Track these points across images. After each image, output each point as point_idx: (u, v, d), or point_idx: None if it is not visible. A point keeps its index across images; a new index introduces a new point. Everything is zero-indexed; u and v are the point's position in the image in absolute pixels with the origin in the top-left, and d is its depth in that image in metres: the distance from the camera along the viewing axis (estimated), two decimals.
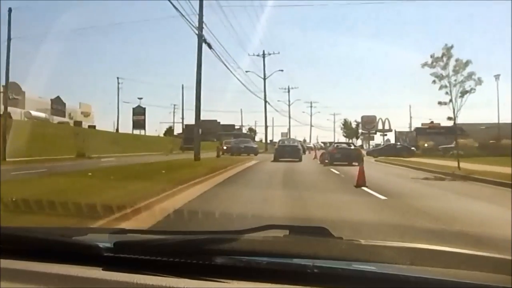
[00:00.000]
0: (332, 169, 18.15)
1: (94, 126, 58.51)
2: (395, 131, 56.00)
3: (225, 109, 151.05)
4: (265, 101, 55.00)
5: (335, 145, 28.31)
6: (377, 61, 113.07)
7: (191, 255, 1.35)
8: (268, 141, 61.87)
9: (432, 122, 58.03)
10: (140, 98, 64.04)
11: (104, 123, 72.32)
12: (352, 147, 27.80)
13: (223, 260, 1.33)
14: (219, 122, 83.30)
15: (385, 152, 37.59)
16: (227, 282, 1.24)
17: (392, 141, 56.46)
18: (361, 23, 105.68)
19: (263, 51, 54.51)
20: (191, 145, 57.88)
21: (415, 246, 1.55)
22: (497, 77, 45.50)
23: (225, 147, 42.31)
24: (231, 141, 43.83)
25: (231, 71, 34.34)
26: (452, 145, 37.74)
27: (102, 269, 1.32)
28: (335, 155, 22.91)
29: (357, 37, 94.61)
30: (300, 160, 26.80)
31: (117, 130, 61.73)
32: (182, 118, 63.09)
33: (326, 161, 23.57)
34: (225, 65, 26.23)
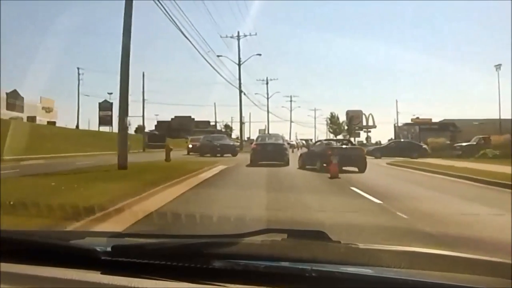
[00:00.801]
0: (356, 190, 10.11)
1: (54, 122, 55.41)
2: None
3: (201, 104, 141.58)
4: (240, 91, 46.48)
5: (327, 142, 20.19)
6: (359, 55, 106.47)
7: (189, 258, 1.35)
8: (245, 139, 52.55)
9: (418, 118, 51.49)
10: (110, 93, 56.35)
11: (72, 120, 63.65)
12: (351, 145, 19.83)
13: (221, 264, 1.33)
14: (193, 118, 75.89)
15: (390, 151, 30.22)
16: (225, 286, 1.25)
17: (374, 139, 49.09)
18: (342, 18, 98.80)
19: (238, 32, 45.51)
20: (157, 143, 48.84)
21: (413, 250, 1.57)
22: (498, 67, 38.78)
23: (190, 145, 33.46)
24: (200, 138, 35.24)
25: (194, 46, 25.69)
26: (474, 143, 30.39)
27: (101, 273, 1.32)
28: (332, 159, 14.47)
29: (337, 32, 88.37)
30: (287, 163, 19.34)
31: (77, 126, 57.73)
32: (143, 113, 52.10)
33: (308, 166, 17.30)
34: (181, 31, 18.04)
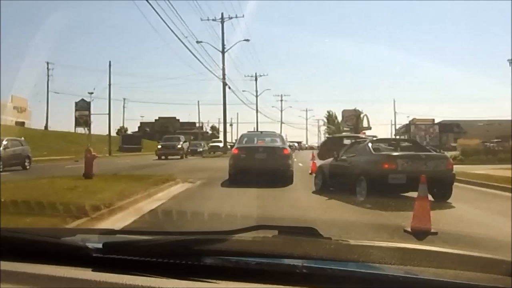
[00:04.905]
0: None
1: (23, 123, 54.95)
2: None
3: (187, 104, 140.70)
4: (224, 83, 42.57)
5: (385, 144, 12.00)
6: (353, 55, 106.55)
7: (180, 255, 1.41)
8: (234, 142, 51.92)
9: (414, 119, 51.57)
10: (91, 93, 54.52)
11: (52, 121, 62.31)
12: (424, 151, 10.93)
13: (212, 261, 1.39)
14: (178, 119, 75.67)
15: None
16: (216, 283, 1.29)
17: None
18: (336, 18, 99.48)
19: (222, 14, 41.62)
20: (132, 146, 47.88)
21: (404, 246, 1.61)
22: (511, 61, 38.10)
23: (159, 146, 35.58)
24: (168, 137, 37.80)
25: (170, 29, 24.67)
26: None
27: (92, 270, 1.37)
28: (397, 176, 9.18)
29: (328, 30, 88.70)
30: (290, 180, 13.08)
31: (45, 127, 57.68)
32: (109, 109, 49.14)
33: (332, 188, 11.05)
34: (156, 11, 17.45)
